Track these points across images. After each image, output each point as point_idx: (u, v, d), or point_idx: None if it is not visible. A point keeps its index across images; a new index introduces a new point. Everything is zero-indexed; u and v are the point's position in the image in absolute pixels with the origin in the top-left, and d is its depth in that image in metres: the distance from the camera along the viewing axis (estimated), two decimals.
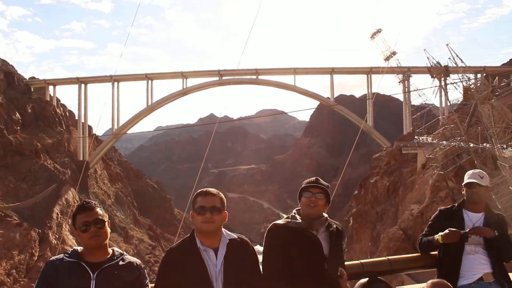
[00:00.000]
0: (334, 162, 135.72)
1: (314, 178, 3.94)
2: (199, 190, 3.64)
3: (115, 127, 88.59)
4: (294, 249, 3.66)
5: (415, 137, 59.51)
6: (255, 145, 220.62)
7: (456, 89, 33.78)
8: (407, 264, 5.03)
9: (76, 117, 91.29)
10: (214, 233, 3.49)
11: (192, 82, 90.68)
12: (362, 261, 4.64)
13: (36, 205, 64.71)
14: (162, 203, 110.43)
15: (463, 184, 4.56)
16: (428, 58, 35.68)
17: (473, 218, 4.43)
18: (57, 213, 66.92)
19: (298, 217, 3.85)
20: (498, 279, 4.19)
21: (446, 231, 4.23)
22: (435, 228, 4.53)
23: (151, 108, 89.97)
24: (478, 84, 32.03)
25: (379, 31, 66.95)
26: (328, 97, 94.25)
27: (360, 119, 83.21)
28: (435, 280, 3.64)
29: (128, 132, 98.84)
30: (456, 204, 4.62)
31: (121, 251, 3.47)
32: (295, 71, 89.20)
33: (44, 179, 70.06)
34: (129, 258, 3.45)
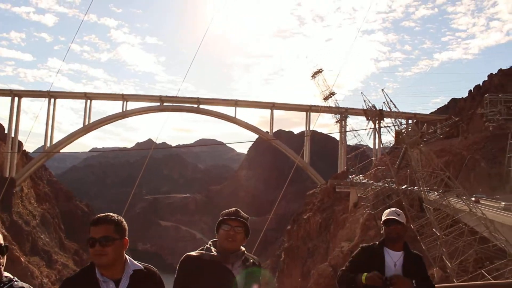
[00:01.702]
0: (270, 196, 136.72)
1: (234, 209, 3.74)
2: (93, 218, 3.19)
3: (48, 144, 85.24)
4: (205, 283, 3.42)
5: (349, 176, 61.40)
6: (191, 174, 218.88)
7: (389, 132, 35.40)
8: None
9: (6, 131, 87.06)
10: (111, 265, 3.07)
11: (132, 105, 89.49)
12: None
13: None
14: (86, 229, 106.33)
15: (381, 222, 4.67)
16: (364, 101, 37.32)
17: (393, 257, 4.51)
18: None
19: (213, 249, 3.61)
20: None
21: (371, 274, 4.27)
22: (356, 265, 4.52)
23: (87, 128, 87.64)
24: (409, 130, 33.72)
25: (320, 71, 69.45)
26: (267, 131, 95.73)
27: (296, 155, 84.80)
28: None
29: (61, 151, 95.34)
30: (377, 242, 4.65)
31: (11, 277, 3.14)
32: (237, 103, 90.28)
33: None
34: (20, 284, 3.15)
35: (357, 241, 44.43)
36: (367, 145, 73.97)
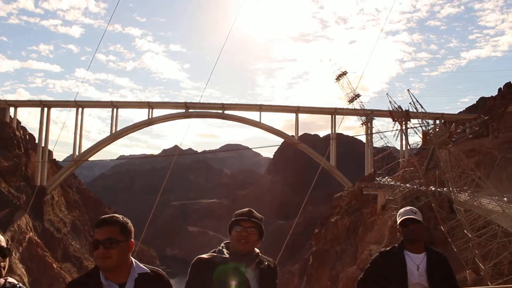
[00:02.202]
0: (297, 200, 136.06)
1: (247, 209, 3.61)
2: (99, 218, 3.09)
3: (76, 153, 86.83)
4: (217, 286, 3.27)
5: (376, 178, 60.72)
6: (218, 179, 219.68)
7: (416, 133, 34.82)
8: None
9: (37, 141, 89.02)
10: (116, 268, 2.95)
11: (158, 112, 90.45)
12: None
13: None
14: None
15: (397, 224, 4.31)
16: (390, 102, 36.83)
17: (415, 260, 4.14)
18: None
19: (225, 251, 3.47)
20: None
21: None
22: (375, 273, 4.23)
23: (114, 137, 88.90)
24: (437, 130, 33.14)
25: (344, 73, 69.11)
26: (292, 135, 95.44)
27: (323, 158, 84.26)
28: None
29: (89, 159, 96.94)
30: (396, 245, 4.32)
31: (15, 282, 3.07)
32: (261, 108, 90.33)
33: None
34: None
35: (386, 243, 43.82)
36: (394, 147, 73.05)
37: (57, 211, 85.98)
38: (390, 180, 55.28)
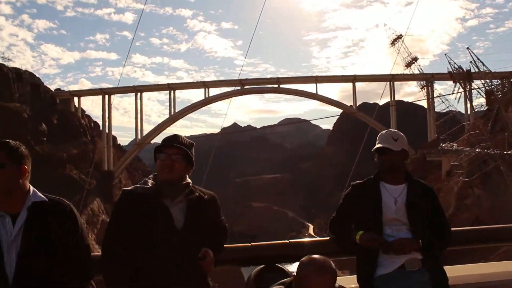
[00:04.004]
0: (358, 170, 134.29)
1: (172, 135, 3.21)
2: None
3: (139, 137, 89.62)
4: (137, 219, 2.91)
5: (440, 144, 58.65)
6: (279, 154, 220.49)
7: (480, 93, 33.13)
8: (316, 249, 3.86)
9: (101, 128, 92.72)
10: (5, 195, 2.63)
11: (214, 91, 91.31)
12: (253, 243, 3.89)
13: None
14: None
15: (372, 150, 3.69)
16: (449, 63, 35.17)
17: (392, 192, 3.50)
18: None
19: (150, 182, 3.09)
20: (426, 266, 3.35)
21: (367, 235, 3.38)
22: (348, 208, 3.68)
23: (173, 118, 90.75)
24: (505, 89, 31.37)
25: (399, 37, 66.40)
26: (350, 105, 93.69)
27: (383, 127, 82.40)
28: (311, 257, 2.69)
29: (151, 142, 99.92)
30: (372, 176, 3.70)
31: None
32: (317, 79, 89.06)
33: (70, 188, 71.25)
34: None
35: (453, 210, 42.45)
36: (457, 110, 69.86)
37: None
38: (455, 145, 53.15)
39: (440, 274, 3.41)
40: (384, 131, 3.71)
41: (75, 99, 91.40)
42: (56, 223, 2.66)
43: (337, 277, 2.58)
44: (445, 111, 64.40)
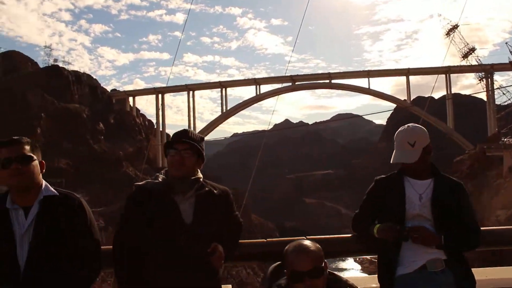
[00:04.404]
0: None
1: (182, 130, 3.17)
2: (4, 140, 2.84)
3: None
4: (146, 215, 2.92)
5: (502, 138, 56.19)
6: (331, 149, 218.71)
7: None
8: (337, 247, 3.86)
9: (155, 126, 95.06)
10: (28, 188, 2.73)
11: (265, 88, 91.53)
12: (269, 239, 3.81)
13: (119, 210, 67.90)
14: (238, 209, 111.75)
15: (392, 161, 3.38)
16: (511, 52, 33.43)
17: (417, 187, 3.28)
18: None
19: (161, 177, 3.10)
20: (450, 267, 3.12)
21: (383, 225, 3.22)
22: (371, 204, 3.49)
23: (225, 115, 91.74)
24: None
25: (455, 27, 63.93)
26: (404, 99, 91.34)
27: (440, 122, 79.94)
28: (297, 241, 2.78)
29: (204, 139, 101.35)
30: (396, 171, 3.50)
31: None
32: (369, 74, 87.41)
33: (126, 185, 73.43)
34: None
35: None
36: None
37: None
38: None
39: (466, 276, 3.14)
40: (400, 130, 3.41)
41: (130, 99, 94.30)
42: (65, 216, 2.74)
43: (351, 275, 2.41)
44: (506, 103, 61.54)
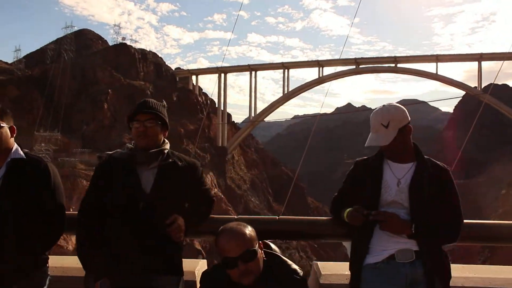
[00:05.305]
0: (481, 157, 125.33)
1: (143, 100, 3.11)
2: None
3: (252, 114, 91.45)
4: (109, 183, 2.93)
5: None
6: None
7: None
8: (307, 228, 3.72)
9: (217, 105, 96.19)
10: None
11: (328, 70, 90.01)
12: (240, 215, 3.64)
13: None
14: (295, 191, 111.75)
15: (366, 144, 3.09)
16: None
17: (397, 171, 2.98)
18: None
19: (129, 146, 3.11)
20: (422, 259, 2.82)
21: (351, 210, 2.98)
22: (349, 187, 3.23)
23: (287, 97, 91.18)
24: None
25: None
26: (475, 87, 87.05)
27: None
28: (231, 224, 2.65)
29: (265, 120, 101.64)
30: (376, 152, 3.19)
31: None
32: (438, 58, 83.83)
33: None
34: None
35: None
36: None
37: (237, 169, 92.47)
38: None
39: (439, 271, 2.83)
40: (374, 111, 3.09)
41: (193, 77, 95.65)
42: (29, 178, 2.83)
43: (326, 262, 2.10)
44: None
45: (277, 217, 3.62)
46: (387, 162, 3.04)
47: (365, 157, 3.25)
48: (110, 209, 2.90)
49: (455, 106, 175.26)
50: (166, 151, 3.08)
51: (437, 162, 3.05)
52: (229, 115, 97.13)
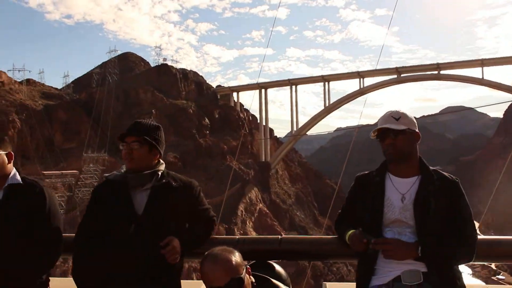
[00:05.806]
0: None
1: (133, 122, 3.08)
2: None
3: (294, 128, 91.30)
4: (106, 205, 2.94)
5: None
6: (439, 145, 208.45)
7: None
8: (311, 247, 3.49)
9: (258, 121, 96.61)
10: None
11: (369, 81, 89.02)
12: (241, 236, 3.56)
13: (223, 203, 70.18)
14: (340, 205, 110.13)
15: (372, 135, 2.89)
16: None
17: (400, 187, 2.78)
18: (241, 210, 71.72)
19: (123, 169, 3.07)
20: (430, 281, 2.60)
21: (352, 233, 2.82)
22: (350, 204, 3.06)
23: (328, 109, 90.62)
24: None
25: None
26: None
27: None
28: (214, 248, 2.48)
29: (307, 133, 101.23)
30: (378, 166, 3.00)
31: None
32: (483, 63, 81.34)
33: (230, 178, 75.49)
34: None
35: None
36: None
37: (281, 184, 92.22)
38: None
39: None
40: (384, 113, 2.93)
41: (234, 94, 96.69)
42: (26, 203, 2.92)
43: (335, 283, 2.02)
44: None
45: (279, 236, 3.50)
46: (390, 176, 2.87)
47: (366, 172, 3.08)
48: (104, 231, 2.89)
49: (505, 111, 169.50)
50: (160, 172, 3.04)
51: (445, 173, 2.83)
52: (271, 130, 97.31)
